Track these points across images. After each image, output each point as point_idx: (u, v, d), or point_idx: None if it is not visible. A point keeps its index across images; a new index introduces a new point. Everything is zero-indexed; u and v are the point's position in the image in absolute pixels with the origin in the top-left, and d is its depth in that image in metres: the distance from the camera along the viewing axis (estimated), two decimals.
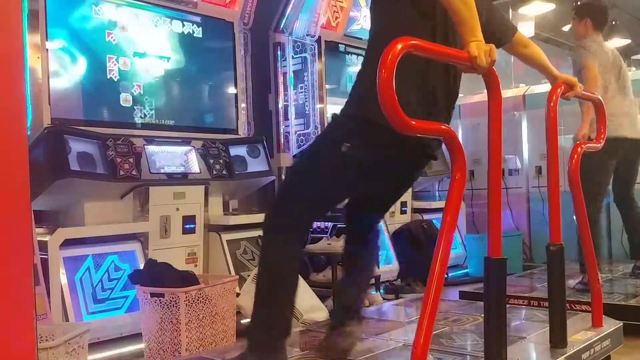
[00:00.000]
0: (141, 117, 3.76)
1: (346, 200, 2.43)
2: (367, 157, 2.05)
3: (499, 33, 2.35)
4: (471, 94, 6.19)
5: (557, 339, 2.36)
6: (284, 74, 4.69)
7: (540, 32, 6.84)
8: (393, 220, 5.00)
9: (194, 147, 3.82)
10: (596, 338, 2.51)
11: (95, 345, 2.98)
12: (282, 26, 4.67)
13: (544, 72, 2.59)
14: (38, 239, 2.94)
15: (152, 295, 2.91)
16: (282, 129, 4.67)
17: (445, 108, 2.15)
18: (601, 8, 4.11)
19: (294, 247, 2.13)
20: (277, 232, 2.12)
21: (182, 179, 3.69)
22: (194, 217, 3.71)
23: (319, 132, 4.71)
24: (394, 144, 1.96)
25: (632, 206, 4.07)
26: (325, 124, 4.80)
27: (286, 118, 4.71)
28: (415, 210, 5.43)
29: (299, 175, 2.24)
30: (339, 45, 5.09)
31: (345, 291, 2.44)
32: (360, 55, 5.29)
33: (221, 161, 3.88)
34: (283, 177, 4.57)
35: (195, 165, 3.77)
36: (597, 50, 3.84)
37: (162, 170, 3.59)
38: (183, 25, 4.03)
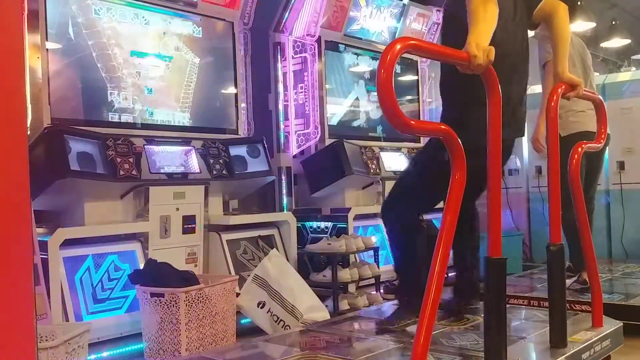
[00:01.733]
0: (141, 117, 3.76)
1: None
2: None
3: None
4: None
5: (557, 339, 2.36)
6: (284, 74, 4.69)
7: (540, 31, 6.81)
8: None
9: (194, 147, 3.83)
10: (596, 338, 2.51)
11: (95, 345, 2.98)
12: (282, 26, 4.66)
13: (558, 56, 2.58)
14: (38, 239, 2.94)
15: (152, 295, 2.92)
16: (282, 129, 4.67)
17: (519, 119, 2.49)
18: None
19: (411, 229, 2.78)
20: (395, 221, 2.81)
21: (182, 179, 3.69)
22: (194, 217, 3.71)
23: (319, 134, 4.72)
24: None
25: (588, 207, 3.96)
26: (325, 124, 4.80)
27: (286, 118, 4.71)
28: None
29: (410, 176, 2.90)
30: (339, 45, 5.09)
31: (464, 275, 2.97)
32: (361, 55, 5.29)
33: (221, 161, 3.88)
34: (283, 177, 4.56)
35: (195, 165, 3.77)
36: None
37: (162, 170, 3.59)
38: (183, 25, 4.03)
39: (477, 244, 2.97)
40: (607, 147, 3.97)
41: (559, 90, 2.51)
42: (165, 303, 2.87)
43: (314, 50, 4.80)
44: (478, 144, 1.97)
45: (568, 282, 3.52)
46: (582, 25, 6.55)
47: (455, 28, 2.21)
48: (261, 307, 3.43)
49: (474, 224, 3.00)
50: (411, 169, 2.93)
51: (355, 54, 5.25)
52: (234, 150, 4.00)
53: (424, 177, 2.69)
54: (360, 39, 5.22)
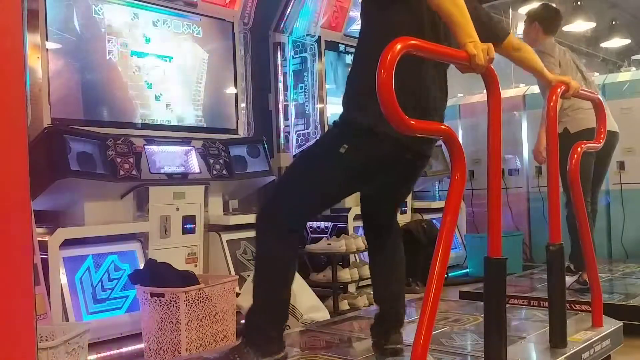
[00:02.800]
0: (141, 117, 3.76)
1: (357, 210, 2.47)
2: (363, 159, 2.09)
3: (490, 34, 2.27)
4: (471, 94, 6.19)
5: (557, 339, 2.36)
6: (284, 74, 4.69)
7: (535, 47, 6.82)
8: None
9: (194, 147, 3.82)
10: (596, 338, 2.51)
11: (95, 345, 2.98)
12: (282, 26, 4.67)
13: (538, 75, 2.58)
14: (38, 239, 2.94)
15: (152, 295, 2.92)
16: (282, 129, 4.67)
17: (438, 108, 2.17)
18: (551, 12, 3.98)
19: (288, 242, 2.17)
20: (271, 228, 2.18)
21: (182, 179, 3.69)
22: (194, 217, 3.71)
23: (319, 134, 4.72)
24: (388, 146, 2.02)
25: (592, 209, 3.85)
26: (325, 124, 4.80)
27: (286, 118, 4.71)
28: (415, 210, 5.44)
29: (296, 174, 2.28)
30: (339, 45, 5.09)
31: (383, 302, 2.42)
32: None
33: (221, 161, 3.88)
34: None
35: (195, 165, 3.77)
36: (558, 53, 3.77)
37: (162, 170, 3.59)
38: (183, 25, 4.03)
39: (403, 268, 2.43)
40: (614, 146, 3.93)
41: (558, 90, 2.51)
42: (165, 303, 2.87)
43: (314, 50, 4.80)
44: (377, 129, 1.96)
45: (568, 282, 3.53)
46: (582, 25, 6.56)
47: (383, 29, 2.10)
48: None
49: (397, 241, 2.45)
50: (298, 165, 2.39)
51: None
52: (234, 150, 4.00)
53: (315, 173, 2.17)
54: None
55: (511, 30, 3.19)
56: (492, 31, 2.36)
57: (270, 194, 2.53)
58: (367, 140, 2.07)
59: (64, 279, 3.09)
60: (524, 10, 6.64)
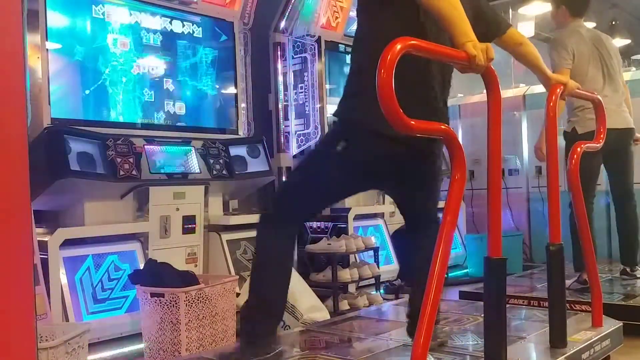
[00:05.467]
0: (141, 117, 3.76)
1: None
2: (359, 157, 2.12)
3: (492, 25, 2.34)
4: (471, 94, 6.19)
5: (557, 339, 2.36)
6: (284, 74, 4.69)
7: (540, 32, 6.83)
8: (393, 220, 5.00)
9: (194, 147, 3.82)
10: (596, 338, 2.51)
11: (95, 345, 2.98)
12: (282, 26, 4.66)
13: (537, 72, 2.57)
14: (38, 239, 2.94)
15: (152, 295, 2.92)
16: (282, 129, 4.67)
17: (438, 108, 2.18)
18: None
19: (286, 240, 2.26)
20: (271, 224, 2.28)
21: (182, 179, 3.69)
22: (194, 217, 3.71)
23: (319, 134, 4.72)
24: (383, 144, 2.03)
25: (629, 204, 3.87)
26: (325, 124, 4.80)
27: (286, 118, 4.71)
28: None
29: (297, 172, 2.40)
30: (339, 45, 5.08)
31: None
32: None
33: (221, 161, 3.88)
34: (283, 177, 4.58)
35: (195, 165, 3.77)
36: (576, 42, 3.67)
37: (162, 170, 3.59)
38: (183, 25, 4.03)
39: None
40: (628, 142, 3.89)
41: (558, 90, 2.52)
42: (165, 303, 2.87)
43: (314, 50, 4.80)
44: (371, 127, 1.98)
45: (568, 282, 3.53)
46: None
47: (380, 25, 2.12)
48: None
49: (430, 241, 2.39)
50: (300, 163, 2.55)
51: None
52: (234, 150, 4.00)
53: (315, 171, 2.27)
54: None
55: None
56: (494, 23, 2.38)
57: (274, 193, 2.58)
58: (362, 138, 2.08)
59: (64, 279, 3.09)
60: (524, 10, 6.65)
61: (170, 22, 3.96)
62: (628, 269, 3.85)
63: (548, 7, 6.71)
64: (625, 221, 3.90)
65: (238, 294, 3.40)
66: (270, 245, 2.27)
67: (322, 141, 2.49)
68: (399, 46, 1.57)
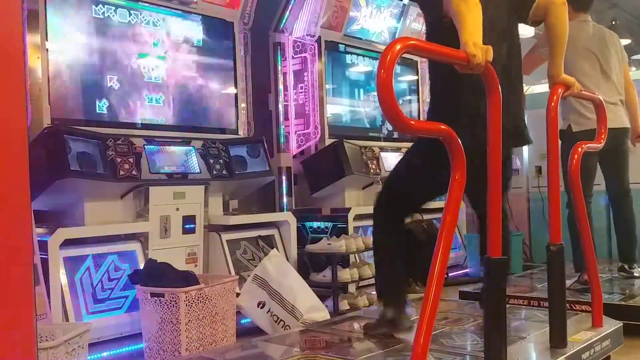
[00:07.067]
0: (141, 117, 3.76)
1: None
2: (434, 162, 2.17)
3: None
4: None
5: (557, 339, 2.36)
6: (284, 74, 4.69)
7: (540, 31, 6.82)
8: None
9: (194, 147, 3.82)
10: (596, 338, 2.51)
11: (95, 345, 2.98)
12: (282, 26, 4.66)
13: (553, 60, 2.55)
14: (38, 239, 2.94)
15: (152, 295, 2.92)
16: (282, 129, 4.66)
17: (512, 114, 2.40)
18: None
19: (396, 225, 2.71)
20: (381, 214, 2.72)
21: (182, 179, 3.69)
22: (194, 217, 3.71)
23: (319, 134, 4.72)
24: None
25: (626, 202, 3.91)
26: (326, 124, 4.80)
27: (286, 118, 4.71)
28: None
29: (399, 169, 2.79)
30: (339, 45, 5.08)
31: None
32: (361, 55, 5.29)
33: (221, 161, 3.88)
34: (283, 177, 4.57)
35: (195, 165, 3.77)
36: (573, 36, 3.73)
37: (162, 170, 3.59)
38: (183, 25, 4.03)
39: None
40: (623, 141, 3.90)
41: (559, 90, 2.52)
42: (165, 303, 2.87)
43: (314, 50, 4.80)
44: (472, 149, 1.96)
45: (568, 282, 3.54)
46: None
47: (438, 35, 2.11)
48: (261, 307, 3.43)
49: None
50: (397, 167, 2.86)
51: (355, 54, 5.25)
52: (234, 150, 4.00)
53: (404, 175, 2.70)
54: (360, 39, 5.22)
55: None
56: None
57: (384, 185, 2.98)
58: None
59: (64, 279, 3.08)
60: None
61: (171, 22, 3.95)
62: (626, 266, 3.87)
63: None
64: (622, 219, 3.96)
65: (238, 294, 3.40)
66: (379, 233, 2.77)
67: (419, 145, 2.70)
68: (398, 46, 1.57)
